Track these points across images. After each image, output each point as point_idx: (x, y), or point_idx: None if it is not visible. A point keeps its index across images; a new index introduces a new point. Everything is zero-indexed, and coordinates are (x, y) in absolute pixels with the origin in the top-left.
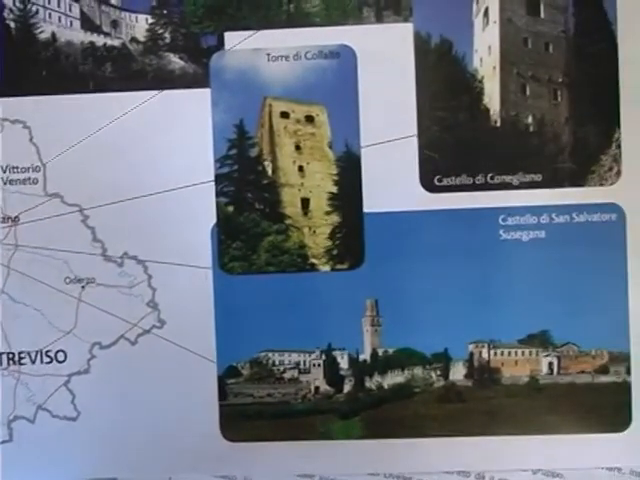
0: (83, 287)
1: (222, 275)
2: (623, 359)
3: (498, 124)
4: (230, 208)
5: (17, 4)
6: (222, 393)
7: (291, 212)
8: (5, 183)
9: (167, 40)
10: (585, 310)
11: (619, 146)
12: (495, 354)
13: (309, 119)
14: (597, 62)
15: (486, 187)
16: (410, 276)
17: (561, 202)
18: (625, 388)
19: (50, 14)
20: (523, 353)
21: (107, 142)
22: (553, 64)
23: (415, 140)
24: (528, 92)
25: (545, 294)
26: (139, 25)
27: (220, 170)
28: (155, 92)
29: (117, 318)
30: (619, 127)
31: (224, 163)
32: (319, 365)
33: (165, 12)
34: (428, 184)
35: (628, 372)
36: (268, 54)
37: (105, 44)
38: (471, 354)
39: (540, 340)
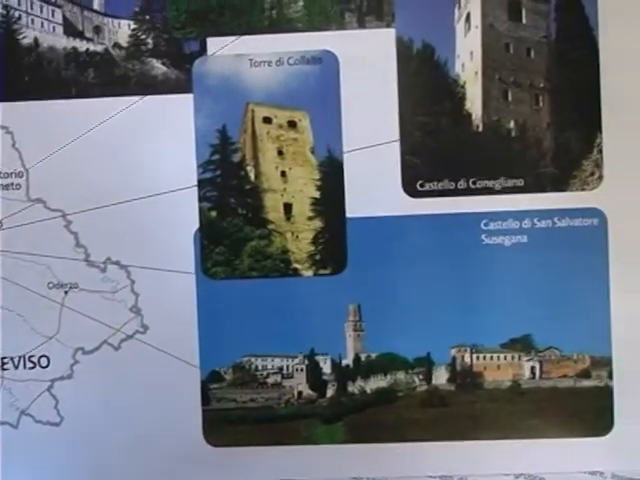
0: (66, 292)
1: (205, 280)
2: (605, 363)
3: (480, 129)
4: (213, 213)
5: None
6: (205, 398)
7: (274, 217)
8: None
9: (150, 46)
10: (567, 315)
11: (600, 151)
12: (477, 358)
13: (291, 124)
14: (578, 67)
15: (468, 192)
16: (393, 281)
17: (543, 207)
18: (607, 392)
19: (33, 20)
20: (505, 357)
21: (90, 147)
22: (535, 69)
23: (397, 145)
24: (510, 97)
25: (527, 299)
26: (122, 31)
27: (203, 175)
28: (138, 97)
29: (100, 323)
30: (600, 132)
31: (207, 168)
32: (302, 370)
33: (148, 18)
34: (410, 189)
35: (610, 376)
36: (250, 60)
37: (88, 49)
38: (454, 358)
39: (522, 344)
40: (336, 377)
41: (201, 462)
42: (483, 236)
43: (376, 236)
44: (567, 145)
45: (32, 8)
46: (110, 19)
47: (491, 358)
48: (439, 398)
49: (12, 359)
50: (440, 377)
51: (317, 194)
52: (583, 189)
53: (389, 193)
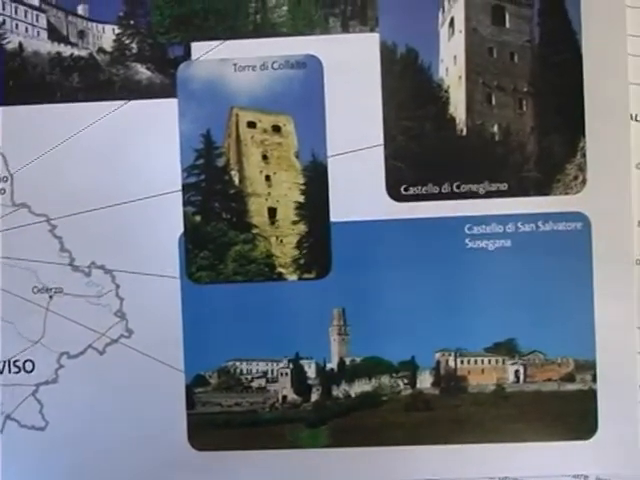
0: (51, 297)
1: (190, 284)
2: (589, 367)
3: (464, 133)
4: (197, 218)
5: None
6: (190, 402)
7: (258, 221)
8: None
9: (134, 50)
10: (551, 318)
11: (584, 155)
12: (462, 362)
13: (276, 129)
14: (562, 71)
15: (452, 196)
16: (377, 285)
17: (527, 211)
18: (591, 396)
19: (17, 24)
20: (489, 361)
21: (75, 152)
22: (518, 74)
23: (381, 149)
24: (494, 101)
25: (511, 303)
26: (106, 35)
27: (187, 180)
28: (122, 102)
29: (85, 328)
30: (584, 136)
31: (191, 173)
32: (287, 374)
33: (132, 22)
34: (394, 193)
35: (594, 380)
36: (235, 64)
37: (72, 54)
38: (438, 362)
39: (506, 348)
40: (321, 381)
41: (186, 466)
42: (467, 240)
43: (360, 240)
44: (551, 149)
45: (16, 13)
46: (94, 24)
47: (475, 362)
48: (423, 402)
49: None
50: (424, 381)
51: (301, 198)
52: (567, 193)
53: (373, 197)
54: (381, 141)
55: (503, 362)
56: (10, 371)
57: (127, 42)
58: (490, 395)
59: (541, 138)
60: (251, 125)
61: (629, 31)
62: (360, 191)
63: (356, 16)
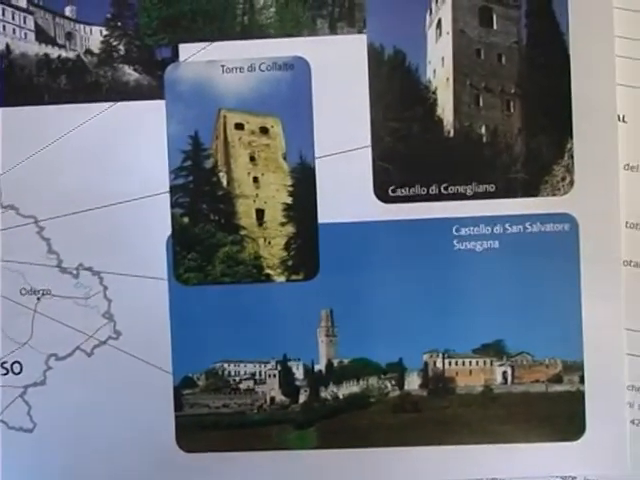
0: (39, 299)
1: (177, 286)
2: (577, 368)
3: (452, 135)
4: (185, 219)
5: None
6: (178, 404)
7: (246, 223)
8: None
9: (122, 52)
10: (539, 320)
11: (572, 156)
12: (450, 364)
13: (264, 130)
14: (549, 73)
15: (440, 197)
16: (365, 286)
17: (514, 212)
18: (579, 397)
19: (4, 26)
20: (477, 363)
21: (62, 154)
22: (506, 75)
23: (369, 151)
24: (481, 103)
25: (499, 304)
26: (94, 37)
27: (175, 181)
28: (110, 104)
29: (73, 329)
30: (571, 137)
31: (179, 174)
32: (274, 376)
33: (119, 24)
34: (382, 195)
35: (582, 381)
36: (222, 66)
37: (60, 56)
38: (426, 364)
39: (494, 350)
40: (308, 383)
41: (174, 467)
42: (455, 241)
43: (348, 242)
44: (538, 150)
45: (4, 15)
46: (82, 25)
47: (463, 363)
48: (411, 403)
49: None
50: (412, 382)
51: (289, 200)
52: (554, 194)
53: (361, 199)
54: (369, 142)
55: (491, 363)
56: None
57: (115, 44)
58: (478, 396)
59: (529, 139)
60: (239, 127)
61: (616, 32)
62: (348, 192)
63: (344, 18)
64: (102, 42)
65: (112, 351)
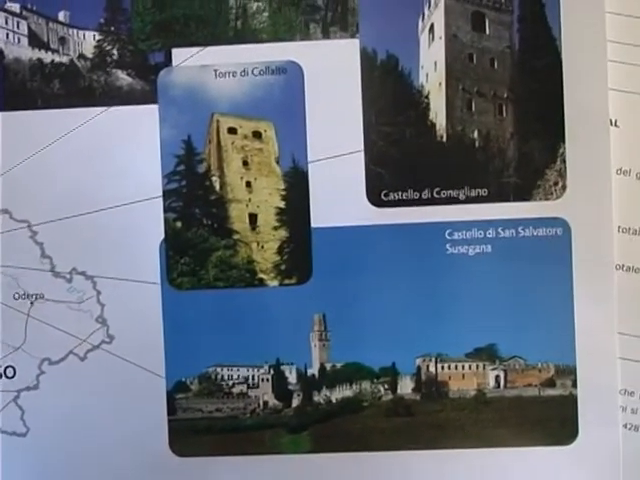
0: (32, 303)
1: (171, 290)
2: (569, 372)
3: (444, 139)
4: (178, 224)
5: None
6: (171, 408)
7: (239, 227)
8: None
9: (115, 57)
10: (531, 324)
11: (564, 161)
12: (442, 368)
13: (256, 135)
14: (542, 77)
15: (432, 202)
16: (358, 291)
17: (507, 216)
18: (571, 401)
19: None
20: (470, 367)
21: (55, 159)
22: (498, 80)
23: (362, 155)
24: (474, 107)
25: (491, 308)
26: (87, 42)
27: (168, 186)
28: (103, 108)
29: (66, 334)
30: (564, 142)
31: (172, 179)
32: (267, 380)
33: (113, 29)
34: (375, 199)
35: (574, 385)
36: (215, 70)
37: (53, 61)
38: (419, 368)
39: (487, 354)
40: (302, 387)
41: (167, 472)
42: (447, 246)
43: (341, 246)
44: (531, 155)
45: None
46: (75, 30)
47: (456, 367)
48: (404, 407)
49: None
50: (405, 387)
51: (282, 204)
52: (547, 199)
53: (354, 203)
54: (361, 147)
55: (484, 367)
56: None
57: (108, 48)
58: (471, 400)
59: (521, 144)
60: (232, 131)
61: (609, 37)
62: (340, 197)
63: (337, 22)
64: (95, 47)
65: (105, 355)
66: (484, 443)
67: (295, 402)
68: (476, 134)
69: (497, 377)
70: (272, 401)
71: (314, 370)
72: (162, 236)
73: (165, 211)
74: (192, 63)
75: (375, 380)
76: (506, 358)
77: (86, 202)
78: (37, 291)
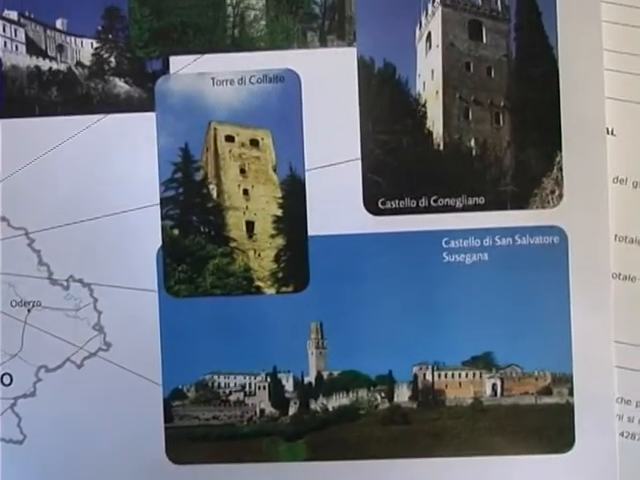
0: (29, 310)
1: (168, 298)
2: (566, 380)
3: (441, 148)
4: (175, 231)
5: None
6: (168, 416)
7: (236, 235)
8: None
9: (112, 64)
10: (528, 332)
11: (561, 169)
12: (439, 376)
13: (254, 143)
14: (539, 86)
15: (429, 210)
16: (354, 299)
17: (504, 225)
18: (568, 409)
19: None
20: (467, 375)
21: (53, 166)
22: (495, 88)
23: (359, 163)
24: (471, 116)
25: (488, 316)
26: (85, 49)
27: (165, 193)
28: (100, 116)
29: (63, 341)
30: (560, 150)
31: (169, 186)
32: (264, 388)
33: (110, 36)
34: (372, 207)
35: (571, 393)
36: (213, 78)
37: (51, 68)
38: (415, 376)
39: (484, 362)
40: (298, 395)
41: (163, 479)
42: (444, 254)
43: (338, 254)
44: (527, 163)
45: None
46: (73, 38)
47: (452, 376)
48: (401, 416)
49: None
50: (402, 395)
51: (279, 212)
52: (544, 207)
53: (351, 211)
54: (358, 155)
55: (480, 376)
56: None
57: (105, 56)
58: (467, 409)
59: (518, 152)
60: (229, 139)
61: (605, 45)
62: (338, 205)
63: (334, 31)
64: (93, 54)
65: (102, 363)
66: (481, 451)
67: (292, 410)
68: (473, 142)
69: (494, 385)
70: (269, 409)
71: (311, 378)
72: (159, 243)
73: (162, 219)
74: (189, 71)
75: (372, 388)
76: (503, 366)
77: (83, 209)
78: (34, 298)
